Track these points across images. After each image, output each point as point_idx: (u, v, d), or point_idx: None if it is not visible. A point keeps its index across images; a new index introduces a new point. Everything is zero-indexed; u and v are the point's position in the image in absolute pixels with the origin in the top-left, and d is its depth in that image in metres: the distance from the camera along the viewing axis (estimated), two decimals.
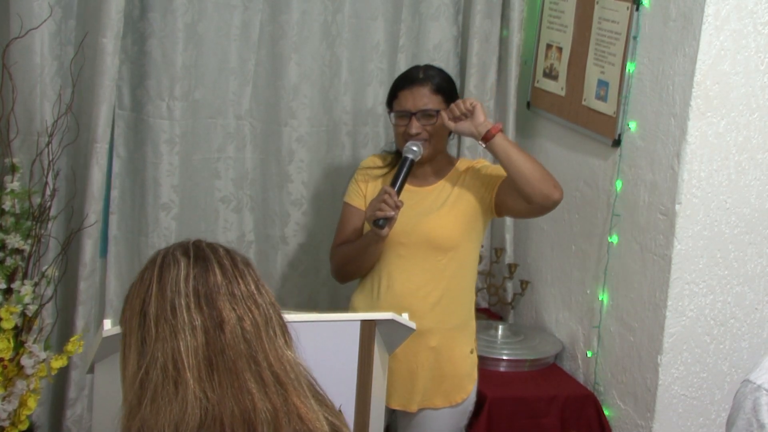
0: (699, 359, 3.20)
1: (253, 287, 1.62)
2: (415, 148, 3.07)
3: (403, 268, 3.11)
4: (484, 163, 3.26)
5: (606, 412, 3.37)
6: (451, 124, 3.07)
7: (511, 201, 3.10)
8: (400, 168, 3.06)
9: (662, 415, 3.20)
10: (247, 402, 1.55)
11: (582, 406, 3.36)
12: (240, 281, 1.61)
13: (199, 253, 1.62)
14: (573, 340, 3.57)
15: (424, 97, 3.11)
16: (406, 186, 3.08)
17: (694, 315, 3.16)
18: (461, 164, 3.21)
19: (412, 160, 3.06)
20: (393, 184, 3.02)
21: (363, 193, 3.20)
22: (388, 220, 2.98)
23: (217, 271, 1.60)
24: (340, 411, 1.72)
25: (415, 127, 3.08)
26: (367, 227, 3.11)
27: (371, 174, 3.23)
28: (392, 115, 3.16)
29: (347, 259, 3.16)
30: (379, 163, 3.25)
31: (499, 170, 3.16)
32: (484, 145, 3.09)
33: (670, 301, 3.13)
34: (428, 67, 3.21)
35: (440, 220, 3.11)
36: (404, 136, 3.10)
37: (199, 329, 1.56)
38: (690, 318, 3.16)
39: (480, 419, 3.24)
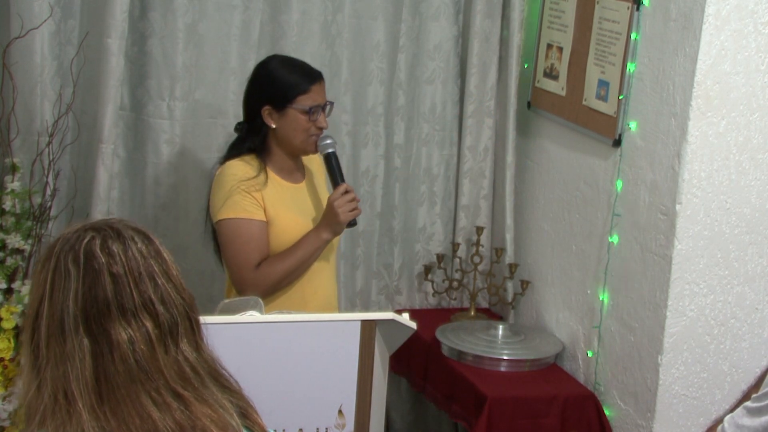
0: (699, 359, 3.20)
1: (150, 291, 1.55)
2: (330, 141, 3.05)
3: (318, 273, 3.10)
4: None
5: (606, 412, 3.36)
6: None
7: None
8: (333, 165, 3.05)
9: (662, 415, 3.20)
10: (148, 425, 1.49)
11: (582, 406, 3.36)
12: (134, 288, 1.54)
13: (90, 262, 1.53)
14: (573, 340, 3.57)
15: (324, 90, 3.08)
16: (286, 185, 3.07)
17: (695, 315, 3.16)
18: (311, 158, 3.18)
19: (336, 153, 3.07)
20: (338, 181, 3.03)
21: (261, 204, 3.00)
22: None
23: (108, 284, 1.52)
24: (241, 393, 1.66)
25: (325, 121, 3.05)
26: (280, 233, 3.01)
27: (257, 183, 3.01)
28: (291, 110, 3.00)
29: (290, 270, 3.00)
30: (252, 171, 3.02)
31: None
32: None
33: (671, 301, 3.13)
34: (305, 62, 3.17)
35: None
36: (311, 131, 3.02)
37: (88, 354, 1.50)
38: (690, 318, 3.16)
39: (480, 419, 3.24)
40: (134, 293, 1.54)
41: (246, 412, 1.62)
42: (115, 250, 1.55)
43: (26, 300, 3.12)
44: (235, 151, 3.07)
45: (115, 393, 1.50)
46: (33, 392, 1.51)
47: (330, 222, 3.00)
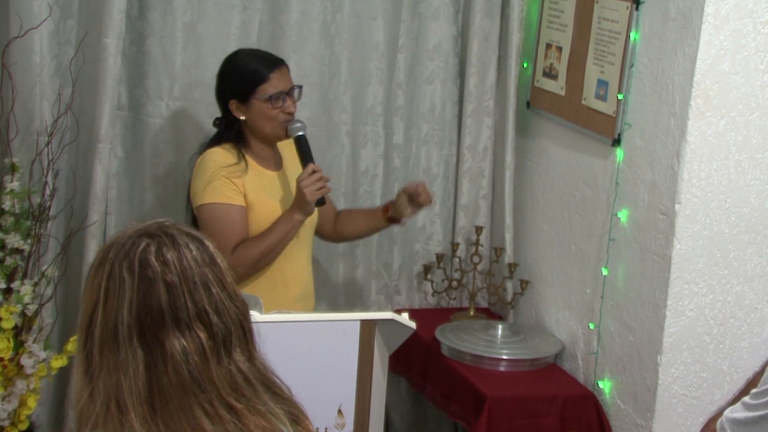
0: (699, 359, 3.20)
1: (205, 301, 1.53)
2: (300, 124, 3.12)
3: (298, 256, 3.18)
4: None
5: (606, 412, 3.37)
6: (408, 210, 3.27)
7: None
8: (303, 147, 3.11)
9: (662, 415, 3.20)
10: None
11: (582, 406, 3.36)
12: (189, 298, 1.52)
13: (145, 271, 1.51)
14: (573, 340, 3.57)
15: (289, 76, 3.16)
16: (265, 172, 3.15)
17: (694, 315, 3.16)
18: (284, 143, 3.23)
19: (306, 136, 3.13)
20: (306, 163, 3.09)
21: (241, 190, 3.08)
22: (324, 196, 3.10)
23: (162, 294, 1.50)
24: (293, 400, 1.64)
25: (292, 106, 3.12)
26: (260, 219, 3.09)
27: (237, 170, 3.09)
28: (254, 101, 3.08)
29: (265, 252, 3.06)
30: (232, 158, 3.10)
31: None
32: (389, 222, 3.34)
33: (670, 301, 3.13)
34: (264, 51, 3.27)
35: None
36: (280, 118, 3.10)
37: (141, 364, 1.48)
38: (690, 318, 3.16)
39: (480, 419, 3.24)
40: (189, 303, 1.52)
41: (297, 418, 1.61)
42: (170, 258, 1.53)
43: (26, 299, 3.12)
44: (214, 142, 3.15)
45: (168, 405, 1.49)
46: (86, 399, 1.50)
47: (300, 202, 3.06)
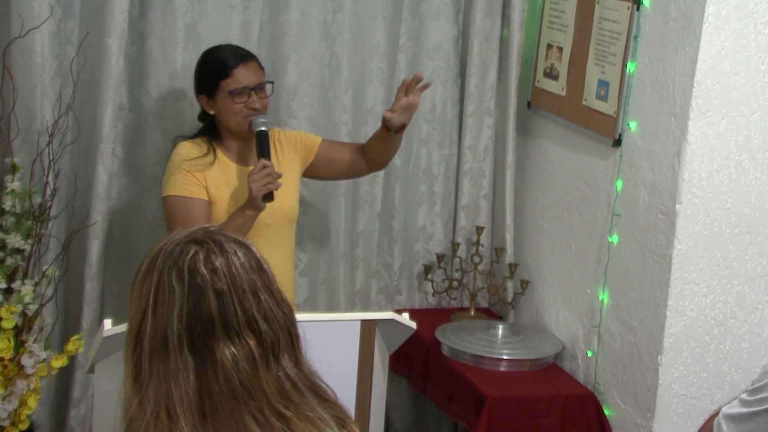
0: (699, 359, 3.20)
1: (254, 308, 1.53)
2: (263, 120, 3.13)
3: (270, 250, 3.10)
4: (289, 131, 3.37)
5: (606, 412, 3.37)
6: (402, 101, 3.14)
7: (329, 166, 3.37)
8: (261, 142, 3.11)
9: (662, 415, 3.20)
10: None
11: (582, 406, 3.36)
12: (238, 305, 1.52)
13: (194, 279, 1.51)
14: (573, 340, 3.57)
15: (257, 72, 3.17)
16: (235, 167, 3.17)
17: (695, 315, 3.16)
18: None
19: (267, 132, 3.13)
20: (259, 158, 3.08)
21: (203, 183, 3.12)
22: (272, 192, 3.06)
23: (212, 302, 1.51)
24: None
25: (258, 101, 3.13)
26: (223, 214, 3.10)
27: (201, 163, 3.14)
28: (218, 95, 3.12)
29: None
30: (197, 152, 3.16)
31: (310, 136, 3.37)
32: (393, 132, 3.23)
33: (671, 301, 3.13)
34: (235, 46, 3.27)
35: (287, 193, 3.19)
36: (243, 113, 3.12)
37: (192, 373, 1.49)
38: (690, 318, 3.16)
39: (480, 419, 3.24)
40: (238, 311, 1.52)
41: (344, 422, 1.61)
42: (219, 266, 1.53)
43: (26, 299, 3.12)
44: (190, 137, 3.22)
45: (219, 413, 1.49)
46: (136, 406, 1.50)
47: (249, 197, 3.05)
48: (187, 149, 3.16)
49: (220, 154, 3.19)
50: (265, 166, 3.04)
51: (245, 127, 3.14)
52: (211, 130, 3.20)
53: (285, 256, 3.25)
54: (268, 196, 3.05)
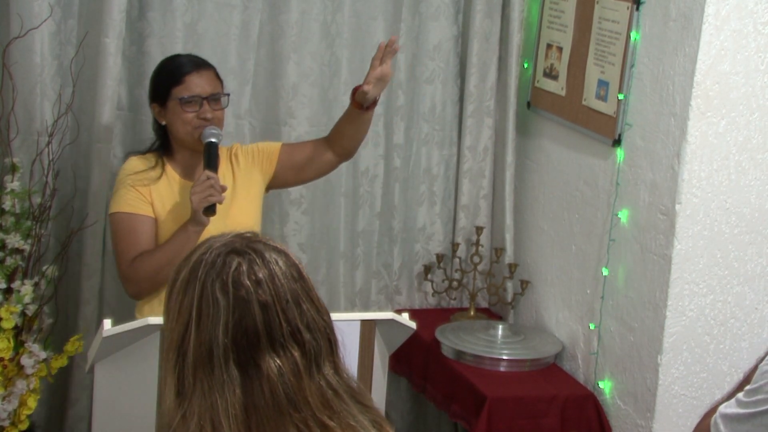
0: (699, 359, 3.19)
1: (297, 319, 1.52)
2: (214, 131, 2.98)
3: None
4: (247, 146, 3.22)
5: (606, 412, 3.36)
6: (377, 71, 3.00)
7: (295, 169, 3.18)
8: (209, 153, 2.96)
9: (662, 415, 3.19)
10: None
11: (582, 406, 3.36)
12: (283, 316, 1.52)
13: (239, 291, 1.51)
14: (573, 340, 3.57)
15: (212, 81, 3.04)
16: (182, 182, 3.04)
17: (694, 315, 3.16)
18: (220, 150, 3.09)
19: (217, 144, 2.98)
20: (207, 170, 2.93)
21: (148, 199, 3.00)
22: (215, 206, 2.92)
23: (257, 314, 1.50)
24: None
25: (209, 111, 2.99)
26: (168, 231, 2.98)
27: (146, 178, 3.02)
28: (169, 103, 3.00)
29: (162, 264, 2.90)
30: (144, 165, 3.04)
31: (269, 145, 3.20)
32: (363, 109, 3.08)
33: (670, 301, 3.13)
34: (192, 54, 3.18)
35: (244, 210, 3.08)
36: (194, 123, 2.99)
37: (238, 386, 1.48)
38: (690, 318, 3.16)
39: (480, 419, 3.24)
40: (283, 323, 1.52)
41: (381, 426, 1.61)
42: (262, 277, 1.52)
43: (26, 299, 3.12)
44: (142, 151, 3.12)
45: (263, 426, 1.48)
46: (178, 420, 1.49)
47: (192, 212, 2.90)
48: (133, 164, 3.05)
49: (168, 168, 3.06)
50: (208, 178, 2.88)
51: (195, 137, 2.99)
52: (163, 143, 3.08)
53: None
54: (210, 210, 2.89)
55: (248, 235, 1.59)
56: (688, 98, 3.02)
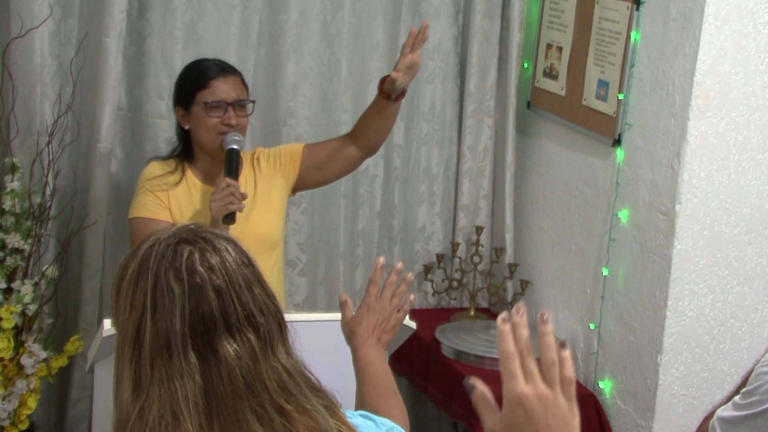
0: (699, 359, 3.20)
1: (251, 303, 1.53)
2: (237, 138, 2.93)
3: None
4: (270, 149, 3.17)
5: (606, 412, 3.37)
6: (407, 59, 2.92)
7: (320, 169, 3.11)
8: (229, 160, 2.91)
9: (662, 415, 3.20)
10: None
11: (582, 406, 3.33)
12: (237, 301, 1.52)
13: (193, 279, 1.51)
14: (573, 340, 3.57)
15: (238, 87, 2.98)
16: (203, 188, 3.00)
17: (694, 315, 3.16)
18: (243, 155, 3.07)
19: (238, 150, 2.93)
20: (227, 177, 2.88)
21: (166, 204, 2.97)
22: (234, 214, 2.87)
23: (213, 300, 1.50)
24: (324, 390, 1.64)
25: (234, 117, 2.94)
26: None
27: (165, 183, 2.98)
28: (193, 107, 2.95)
29: None
30: (162, 170, 3.00)
31: (291, 147, 3.15)
32: (391, 99, 3.01)
33: (670, 301, 3.13)
34: (218, 59, 3.12)
35: (264, 216, 3.04)
36: (217, 128, 2.94)
37: (197, 373, 1.48)
38: (690, 318, 3.16)
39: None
40: (237, 307, 1.52)
41: (333, 411, 1.61)
42: (215, 264, 1.53)
43: (26, 299, 3.12)
44: (163, 156, 3.08)
45: (222, 411, 1.48)
46: (136, 415, 1.48)
47: (210, 219, 2.85)
48: (153, 168, 3.01)
49: (188, 173, 3.02)
50: (228, 185, 2.83)
51: (217, 144, 2.94)
52: (184, 149, 3.04)
53: (274, 275, 3.05)
54: (230, 218, 2.84)
55: (193, 226, 1.59)
56: (688, 98, 3.03)
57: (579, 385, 3.46)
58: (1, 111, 3.25)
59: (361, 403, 2.08)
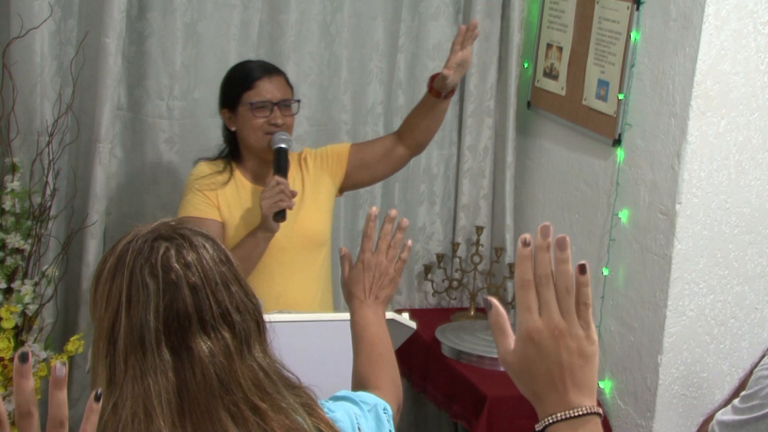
0: (699, 359, 3.20)
1: (227, 301, 1.52)
2: (284, 137, 2.95)
3: (288, 276, 3.00)
4: (317, 150, 3.19)
5: (606, 412, 3.37)
6: (458, 56, 2.94)
7: (366, 168, 3.13)
8: (278, 159, 2.92)
9: (662, 415, 3.20)
10: None
11: None
12: (213, 298, 1.51)
13: (168, 275, 1.50)
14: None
15: (283, 88, 3.01)
16: (252, 187, 3.02)
17: (694, 315, 3.16)
18: (291, 156, 3.08)
19: (287, 149, 2.95)
20: (276, 175, 2.90)
21: (215, 203, 2.99)
22: (285, 211, 2.88)
23: (187, 297, 1.50)
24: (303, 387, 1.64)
25: (280, 117, 2.96)
26: (235, 236, 2.97)
27: (214, 182, 3.01)
28: (240, 109, 2.98)
29: None
30: (210, 170, 3.03)
31: (338, 147, 3.17)
32: (442, 97, 3.04)
33: (670, 301, 3.13)
34: (263, 60, 3.15)
35: (312, 215, 3.04)
36: (264, 129, 2.96)
37: (170, 369, 1.48)
38: (690, 318, 3.16)
39: (480, 419, 3.24)
40: (213, 304, 1.51)
41: (311, 408, 1.60)
42: (191, 261, 1.52)
43: (26, 299, 3.12)
44: (211, 158, 3.09)
45: (195, 408, 1.48)
46: (110, 411, 1.48)
47: (262, 217, 2.88)
48: (201, 168, 3.04)
49: (237, 173, 3.04)
50: (278, 183, 2.85)
51: (264, 144, 2.96)
52: (232, 149, 3.06)
53: (306, 284, 3.06)
54: (280, 215, 2.86)
55: (173, 222, 1.58)
56: (688, 98, 3.03)
57: None
58: (1, 111, 3.25)
59: (354, 374, 2.04)
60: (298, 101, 3.08)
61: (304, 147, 3.25)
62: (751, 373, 3.12)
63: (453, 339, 3.56)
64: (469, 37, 2.97)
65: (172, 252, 1.52)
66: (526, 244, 1.19)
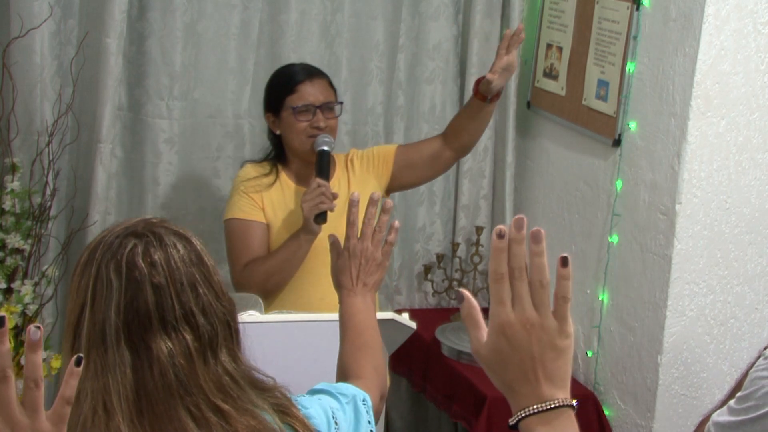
0: (699, 359, 3.19)
1: (192, 302, 1.51)
2: (327, 139, 2.98)
3: (327, 275, 3.01)
4: (364, 150, 3.22)
5: (606, 412, 3.37)
6: (503, 60, 3.00)
7: (412, 170, 3.16)
8: (320, 161, 2.95)
9: (662, 415, 3.20)
10: None
11: (582, 406, 3.36)
12: (176, 299, 1.50)
13: (132, 273, 1.50)
14: (573, 340, 3.56)
15: (325, 90, 3.04)
16: (297, 189, 3.04)
17: (694, 315, 3.16)
18: (338, 157, 3.12)
19: (329, 152, 2.98)
20: (318, 177, 2.92)
21: (260, 205, 3.02)
22: (326, 214, 2.90)
23: (149, 295, 1.49)
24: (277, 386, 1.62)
25: (323, 120, 2.99)
26: (279, 237, 2.99)
27: (259, 184, 3.04)
28: (283, 113, 3.01)
29: (273, 271, 2.95)
30: (257, 172, 3.07)
31: (384, 148, 3.21)
32: (487, 101, 3.10)
33: (670, 301, 3.13)
34: (305, 63, 3.17)
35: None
36: (307, 132, 2.99)
37: (128, 367, 1.47)
38: (690, 318, 3.16)
39: (480, 419, 3.24)
40: (175, 305, 1.50)
41: (285, 408, 1.59)
42: (157, 259, 1.51)
43: (26, 299, 3.12)
44: (258, 160, 3.13)
45: (155, 408, 1.48)
46: (73, 403, 1.50)
47: (304, 219, 2.91)
48: (247, 170, 3.08)
49: (282, 175, 3.07)
50: (319, 185, 2.87)
51: (308, 147, 2.99)
52: (277, 152, 3.09)
53: None
54: (321, 218, 2.89)
55: (154, 220, 1.58)
56: (688, 98, 3.03)
57: (579, 385, 3.46)
58: (1, 111, 3.25)
59: (339, 363, 1.99)
60: (341, 103, 3.11)
61: (351, 149, 3.27)
62: (746, 373, 3.11)
63: (453, 339, 3.56)
64: (514, 41, 3.04)
65: (140, 249, 1.51)
66: (500, 236, 1.17)
